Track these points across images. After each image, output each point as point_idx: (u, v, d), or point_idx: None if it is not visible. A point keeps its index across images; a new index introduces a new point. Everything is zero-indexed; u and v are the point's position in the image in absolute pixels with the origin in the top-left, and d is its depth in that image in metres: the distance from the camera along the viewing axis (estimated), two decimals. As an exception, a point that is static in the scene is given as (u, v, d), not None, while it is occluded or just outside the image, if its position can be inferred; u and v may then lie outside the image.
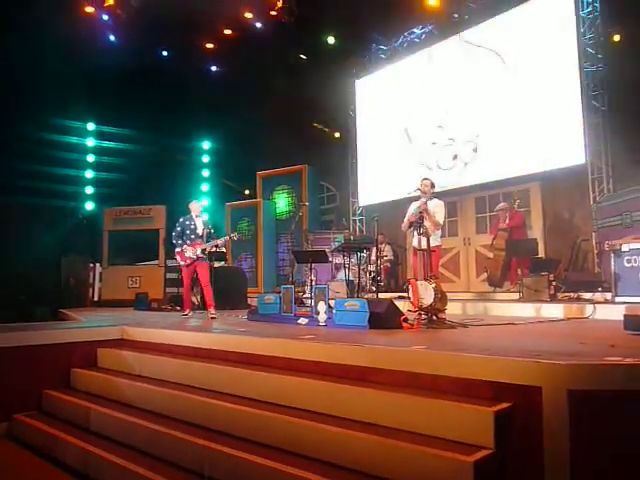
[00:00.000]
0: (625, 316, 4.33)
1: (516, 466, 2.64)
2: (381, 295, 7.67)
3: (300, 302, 7.11)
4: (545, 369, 2.65)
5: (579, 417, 2.53)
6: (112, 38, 13.50)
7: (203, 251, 7.55)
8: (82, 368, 5.28)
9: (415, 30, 11.92)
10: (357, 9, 11.09)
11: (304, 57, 13.37)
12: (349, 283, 7.78)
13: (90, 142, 15.08)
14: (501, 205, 9.30)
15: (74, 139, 14.74)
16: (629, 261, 6.34)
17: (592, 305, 6.32)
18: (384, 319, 5.02)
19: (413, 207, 6.20)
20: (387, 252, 11.17)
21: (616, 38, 8.72)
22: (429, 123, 11.47)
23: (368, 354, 3.49)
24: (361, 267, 7.63)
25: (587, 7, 9.04)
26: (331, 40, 12.87)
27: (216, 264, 9.70)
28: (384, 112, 12.63)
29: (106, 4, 12.37)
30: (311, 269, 7.04)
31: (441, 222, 6.17)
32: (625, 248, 6.38)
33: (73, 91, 12.56)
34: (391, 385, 3.22)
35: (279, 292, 6.46)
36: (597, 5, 8.93)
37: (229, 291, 9.41)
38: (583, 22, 9.05)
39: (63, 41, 11.84)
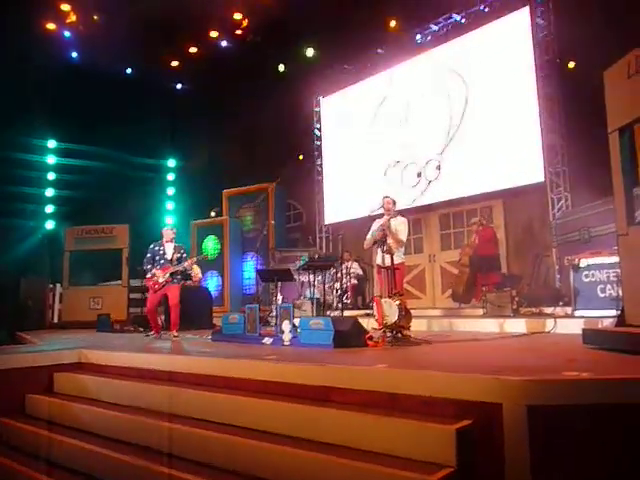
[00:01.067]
0: (584, 330, 4.40)
1: (478, 484, 2.63)
2: (348, 313, 7.69)
3: (265, 321, 7.03)
4: (505, 386, 2.66)
5: (539, 432, 2.54)
6: (74, 55, 13.34)
7: (172, 274, 7.41)
8: (37, 394, 5.06)
9: (379, 50, 12.13)
10: (321, 28, 11.25)
11: (269, 76, 13.44)
12: (315, 301, 7.75)
13: (51, 160, 14.76)
14: (474, 220, 9.48)
15: (34, 157, 14.39)
16: (587, 276, 6.50)
17: (553, 319, 6.42)
18: (349, 337, 4.99)
19: (376, 225, 6.23)
20: (355, 269, 11.20)
21: (571, 65, 9.05)
22: (393, 141, 11.63)
23: (330, 373, 3.44)
24: (327, 285, 7.60)
25: (542, 31, 9.38)
26: (297, 59, 12.99)
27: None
28: (349, 130, 12.77)
29: (68, 20, 12.25)
30: (277, 288, 6.98)
31: (404, 239, 6.21)
32: (583, 263, 6.54)
33: (34, 108, 12.31)
34: (353, 404, 3.17)
35: (244, 311, 6.38)
36: (552, 28, 9.29)
37: (194, 311, 9.25)
38: (539, 45, 9.38)
39: (24, 57, 11.64)
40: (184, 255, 7.59)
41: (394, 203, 6.34)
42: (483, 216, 9.42)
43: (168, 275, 7.34)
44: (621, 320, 4.45)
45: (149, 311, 7.61)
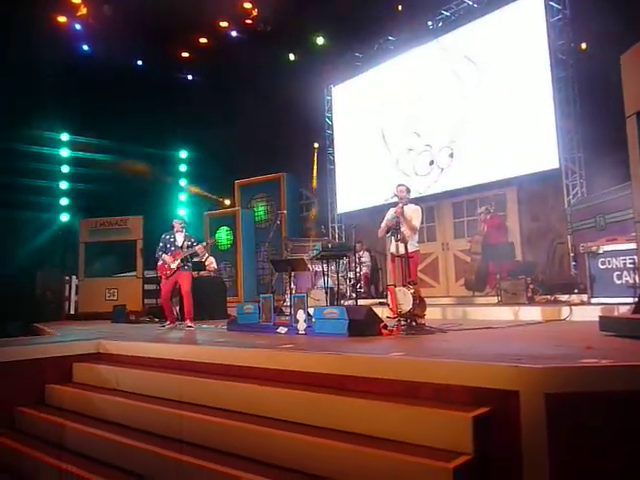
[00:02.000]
0: (600, 317, 4.38)
1: (496, 470, 2.63)
2: (361, 302, 7.68)
3: (279, 311, 7.05)
4: (522, 373, 2.65)
5: (556, 420, 2.53)
6: (85, 47, 13.38)
7: (183, 260, 7.50)
8: (57, 384, 5.14)
9: (390, 37, 12.03)
10: (332, 16, 11.16)
11: (280, 65, 13.39)
12: (329, 291, 7.76)
13: (64, 153, 14.86)
14: (481, 209, 9.45)
15: (47, 150, 14.49)
16: (603, 263, 6.45)
17: (569, 307, 6.39)
18: (363, 326, 5.00)
19: (390, 213, 6.20)
20: (366, 259, 11.20)
21: (583, 46, 8.91)
22: (405, 129, 11.56)
23: (346, 362, 3.46)
24: (340, 274, 7.59)
25: (557, 14, 9.23)
26: (307, 48, 12.92)
27: (194, 274, 9.62)
28: (361, 119, 12.69)
29: (79, 13, 12.26)
30: (290, 277, 6.99)
31: (417, 227, 6.17)
32: (600, 250, 6.48)
33: (46, 101, 12.39)
34: (370, 393, 3.19)
35: (258, 301, 6.41)
36: (567, 12, 9.12)
37: (208, 301, 9.31)
38: (554, 29, 9.24)
39: (35, 51, 11.69)
40: (194, 243, 7.68)
41: (408, 191, 6.29)
42: (490, 204, 9.37)
43: (179, 261, 7.43)
44: (639, 307, 4.40)
45: (163, 299, 7.75)
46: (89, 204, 14.01)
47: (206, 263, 10.22)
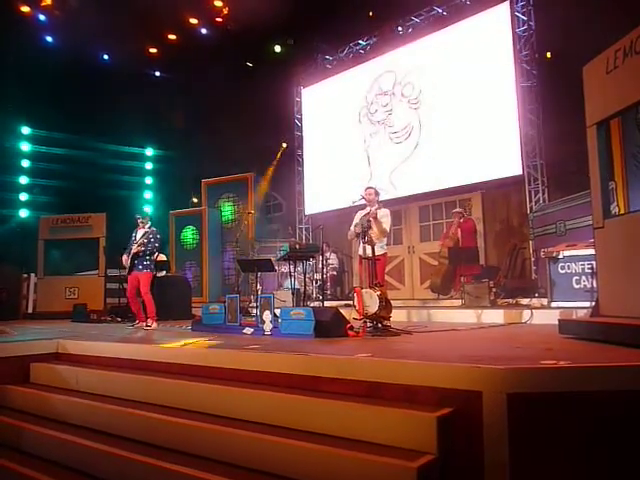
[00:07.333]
0: (560, 320, 4.50)
1: (458, 470, 2.67)
2: (327, 303, 7.70)
3: (246, 311, 7.01)
4: (485, 374, 2.71)
5: (518, 420, 2.59)
6: (49, 39, 13.03)
7: (135, 258, 7.29)
8: (13, 384, 4.98)
9: (360, 41, 12.12)
10: (303, 18, 11.18)
11: (250, 64, 13.32)
12: (295, 292, 7.75)
13: (25, 147, 14.41)
14: (457, 210, 9.57)
15: (7, 143, 14.02)
16: (563, 268, 6.63)
17: (530, 310, 6.54)
18: (330, 328, 5.01)
19: (358, 216, 6.23)
20: (332, 260, 11.23)
21: (548, 55, 9.16)
22: (374, 133, 11.64)
23: (313, 363, 3.46)
24: (307, 276, 7.58)
25: (522, 25, 9.47)
26: (277, 48, 12.91)
27: (158, 274, 9.43)
28: (330, 121, 12.75)
29: (43, 3, 11.96)
30: (257, 278, 6.96)
31: (387, 230, 6.23)
32: (560, 255, 6.67)
33: (6, 93, 12.02)
34: (336, 393, 3.20)
35: (224, 301, 6.35)
36: (532, 24, 9.37)
37: (172, 301, 9.17)
38: (519, 39, 9.47)
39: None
40: (151, 239, 7.43)
41: (377, 194, 6.33)
42: (465, 207, 9.53)
43: (131, 256, 7.25)
44: (596, 311, 4.54)
45: (128, 297, 7.60)
46: (50, 200, 13.64)
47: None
